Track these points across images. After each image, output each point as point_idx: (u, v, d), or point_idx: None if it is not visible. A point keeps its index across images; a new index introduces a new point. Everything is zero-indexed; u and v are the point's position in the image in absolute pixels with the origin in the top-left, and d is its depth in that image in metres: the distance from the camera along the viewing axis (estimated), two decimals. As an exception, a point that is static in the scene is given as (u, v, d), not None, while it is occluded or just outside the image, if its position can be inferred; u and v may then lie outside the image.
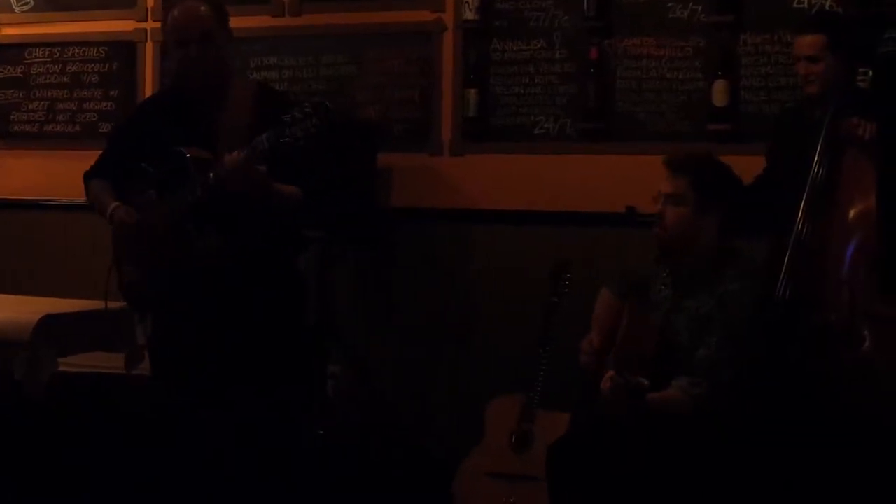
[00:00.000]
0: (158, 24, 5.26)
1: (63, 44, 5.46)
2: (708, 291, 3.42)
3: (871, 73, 3.47)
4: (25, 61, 5.53)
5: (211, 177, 3.15)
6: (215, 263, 3.27)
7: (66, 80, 5.47)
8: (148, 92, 5.28)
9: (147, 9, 5.31)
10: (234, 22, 3.47)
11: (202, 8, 3.29)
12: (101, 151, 3.60)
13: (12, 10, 5.54)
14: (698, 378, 3.32)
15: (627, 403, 3.27)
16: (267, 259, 3.34)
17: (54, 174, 5.38)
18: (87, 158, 3.63)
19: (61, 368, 4.04)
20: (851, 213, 3.31)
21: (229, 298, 3.30)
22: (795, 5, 4.38)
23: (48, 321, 3.89)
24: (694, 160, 3.54)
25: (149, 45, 5.31)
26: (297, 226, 3.47)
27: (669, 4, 4.57)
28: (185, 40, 3.26)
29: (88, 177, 3.58)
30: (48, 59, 5.50)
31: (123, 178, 3.43)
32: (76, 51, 5.45)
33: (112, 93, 5.38)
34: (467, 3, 4.77)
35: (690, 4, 4.55)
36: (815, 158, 3.40)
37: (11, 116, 5.56)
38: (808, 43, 3.71)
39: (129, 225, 3.31)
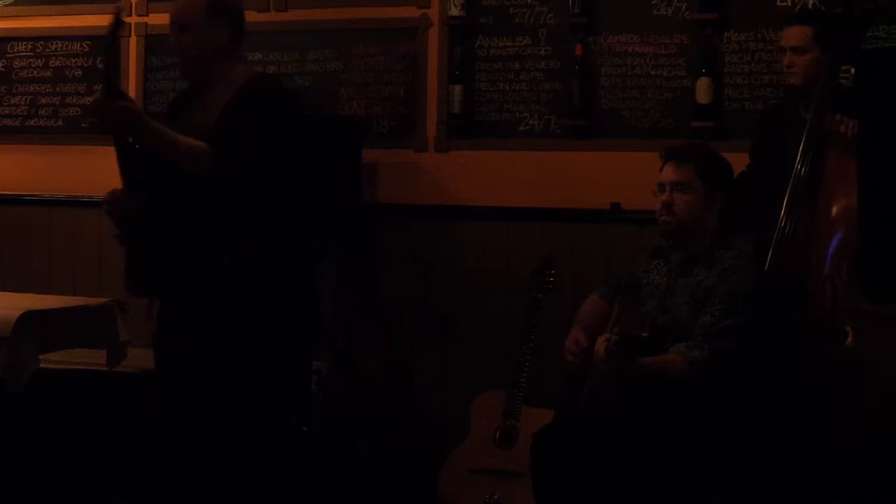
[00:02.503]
0: (142, 19, 5.27)
1: (46, 38, 5.42)
2: (707, 268, 3.48)
3: (853, 70, 3.48)
4: (7, 55, 5.49)
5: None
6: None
7: (48, 74, 5.43)
8: (133, 87, 5.25)
9: (130, 3, 5.27)
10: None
11: None
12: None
13: (-6, 5, 5.52)
14: (698, 342, 3.34)
15: (624, 362, 3.24)
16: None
17: (36, 169, 5.34)
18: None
19: (43, 365, 4.01)
20: (834, 209, 3.32)
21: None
22: (779, 3, 4.41)
23: (29, 317, 3.86)
24: (695, 148, 3.66)
25: (132, 40, 5.28)
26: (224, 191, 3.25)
27: (654, 2, 4.58)
28: (171, 27, 3.37)
29: None
30: (31, 54, 5.46)
31: None
32: (59, 45, 5.41)
33: (95, 87, 5.32)
34: (453, -1, 4.77)
35: (674, 2, 4.56)
36: (799, 155, 3.41)
37: (-7, 111, 5.53)
38: (796, 34, 3.75)
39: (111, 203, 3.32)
